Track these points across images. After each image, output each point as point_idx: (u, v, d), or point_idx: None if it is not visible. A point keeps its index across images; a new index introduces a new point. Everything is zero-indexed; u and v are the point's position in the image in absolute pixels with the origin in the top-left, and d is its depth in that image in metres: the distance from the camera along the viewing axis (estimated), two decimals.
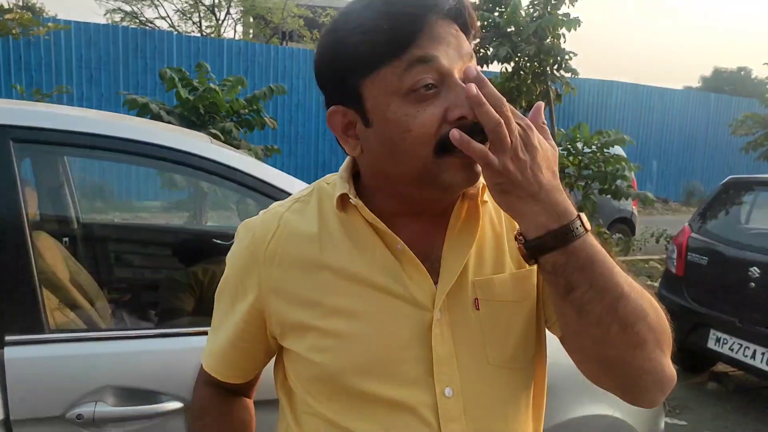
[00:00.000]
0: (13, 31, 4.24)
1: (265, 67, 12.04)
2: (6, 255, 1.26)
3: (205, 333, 1.44)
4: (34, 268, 1.29)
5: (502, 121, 0.63)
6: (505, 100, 0.65)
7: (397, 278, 0.74)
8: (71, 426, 1.25)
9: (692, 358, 4.14)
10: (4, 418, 1.20)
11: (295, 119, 12.20)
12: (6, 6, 4.65)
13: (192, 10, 19.10)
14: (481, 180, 0.73)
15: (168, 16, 19.49)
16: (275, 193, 1.49)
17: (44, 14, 16.79)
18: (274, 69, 12.12)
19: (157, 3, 18.70)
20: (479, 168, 0.68)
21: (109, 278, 2.47)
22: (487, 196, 0.78)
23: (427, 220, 0.77)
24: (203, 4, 18.75)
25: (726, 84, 34.67)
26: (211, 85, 4.17)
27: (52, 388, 1.25)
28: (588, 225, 0.69)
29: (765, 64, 7.29)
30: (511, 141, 0.63)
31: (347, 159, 0.80)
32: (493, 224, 0.80)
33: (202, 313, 1.94)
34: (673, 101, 16.55)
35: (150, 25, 18.88)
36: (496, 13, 5.58)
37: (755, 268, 3.45)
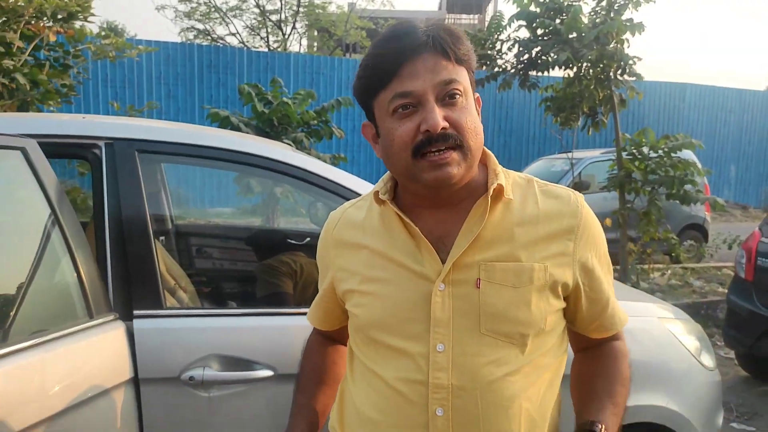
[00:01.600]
0: (110, 55, 4.69)
1: (329, 79, 12.45)
2: (137, 250, 1.54)
3: (289, 313, 1.69)
4: (157, 260, 1.56)
5: None
6: None
7: (414, 257, 0.94)
8: (184, 386, 1.50)
9: (763, 364, 4.04)
10: (134, 376, 1.46)
11: (358, 128, 12.50)
12: (100, 30, 5.12)
13: (260, 26, 19.94)
14: (502, 180, 0.94)
15: (238, 32, 20.37)
16: (348, 194, 1.72)
17: (126, 35, 18.16)
18: (338, 80, 12.52)
19: (227, 21, 19.66)
20: (450, 168, 0.87)
21: (194, 269, 2.79)
22: (510, 194, 0.95)
23: (449, 213, 0.95)
24: (271, 21, 19.55)
25: None
26: (284, 98, 4.48)
27: (170, 353, 1.50)
28: None
29: None
30: None
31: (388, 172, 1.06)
32: (513, 220, 0.94)
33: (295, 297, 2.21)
34: (752, 102, 15.72)
35: (221, 41, 19.87)
36: (558, 20, 5.61)
37: None
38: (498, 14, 6.61)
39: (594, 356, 1.07)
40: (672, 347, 2.13)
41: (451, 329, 0.91)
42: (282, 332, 1.63)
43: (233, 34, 20.26)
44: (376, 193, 0.98)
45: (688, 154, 6.68)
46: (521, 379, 0.92)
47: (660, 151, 5.63)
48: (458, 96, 0.89)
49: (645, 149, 5.72)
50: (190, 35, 20.11)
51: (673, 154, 5.62)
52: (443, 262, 0.92)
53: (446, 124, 0.87)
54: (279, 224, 4.49)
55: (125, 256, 1.53)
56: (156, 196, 2.59)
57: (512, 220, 0.95)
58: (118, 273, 1.52)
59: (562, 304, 0.97)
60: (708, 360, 2.31)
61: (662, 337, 2.12)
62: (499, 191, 0.94)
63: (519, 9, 5.76)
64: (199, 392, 1.51)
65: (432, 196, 0.94)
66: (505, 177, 0.97)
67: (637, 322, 2.07)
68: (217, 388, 1.53)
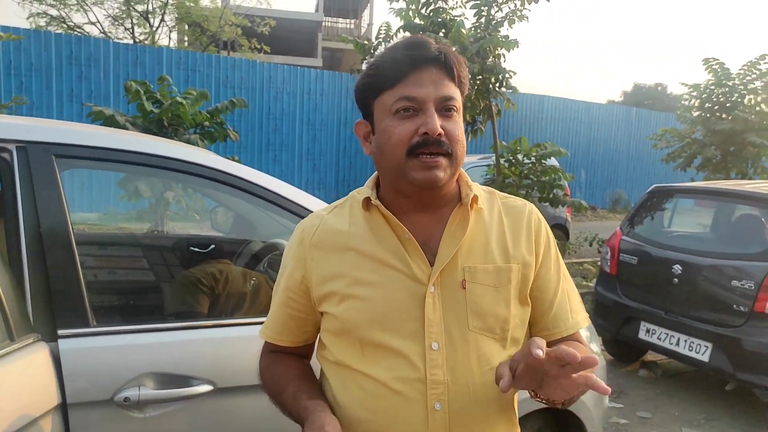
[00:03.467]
0: None
1: (206, 77, 11.92)
2: (58, 262, 1.40)
3: (224, 325, 1.64)
4: (81, 273, 1.44)
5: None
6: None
7: (403, 260, 1.00)
8: (118, 408, 1.40)
9: (625, 348, 4.59)
10: (62, 402, 1.33)
11: (238, 129, 12.05)
12: None
13: (124, 16, 18.56)
14: (474, 191, 1.04)
15: (98, 21, 18.75)
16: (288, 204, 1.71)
17: None
18: (216, 79, 12.03)
19: (86, 8, 18.06)
20: (438, 172, 0.95)
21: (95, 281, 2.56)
22: (482, 203, 1.06)
23: (430, 217, 1.03)
24: (136, 11, 18.28)
25: (645, 98, 37.14)
26: (177, 98, 4.25)
27: (101, 374, 1.39)
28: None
29: (681, 83, 8.06)
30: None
31: (373, 174, 1.11)
32: (486, 228, 1.05)
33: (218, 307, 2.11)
34: (598, 115, 17.61)
35: (79, 30, 18.20)
36: (441, 34, 5.91)
37: (678, 265, 3.91)
38: (384, 26, 6.81)
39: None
40: None
41: (443, 328, 0.97)
42: (218, 345, 1.58)
43: (93, 23, 18.62)
44: (366, 199, 1.03)
45: (552, 161, 7.38)
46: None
47: (532, 158, 6.15)
48: (453, 111, 0.98)
49: (520, 156, 6.22)
50: (41, 22, 18.17)
51: (543, 161, 6.17)
52: (430, 264, 0.99)
53: (442, 131, 0.95)
54: (170, 230, 4.25)
55: (45, 270, 1.39)
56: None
57: (485, 227, 1.05)
58: (37, 289, 1.37)
59: (529, 305, 1.07)
60: (595, 347, 2.60)
61: None
62: (474, 201, 1.04)
63: (404, 22, 5.99)
64: (135, 414, 1.42)
65: (416, 197, 1.01)
66: (476, 189, 1.07)
67: None
68: (154, 407, 1.44)
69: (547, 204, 6.23)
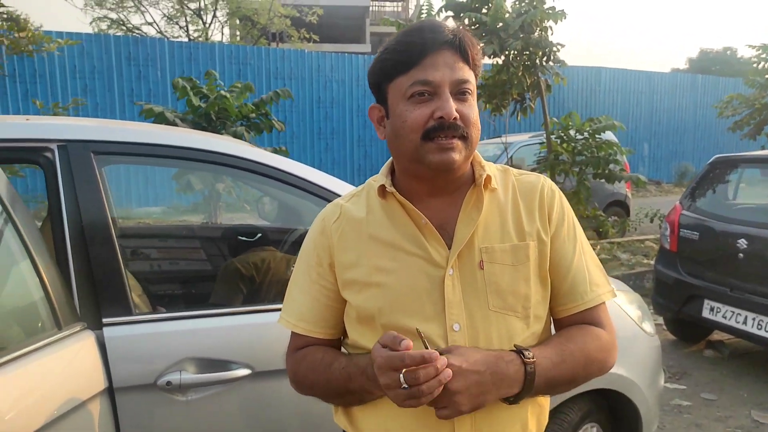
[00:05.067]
0: (27, 49, 4.39)
1: (257, 69, 12.17)
2: (100, 254, 1.47)
3: (261, 311, 1.67)
4: (122, 264, 1.51)
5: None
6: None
7: (420, 245, 1.00)
8: (161, 392, 1.46)
9: (689, 327, 4.39)
10: (108, 386, 1.41)
11: (290, 120, 12.37)
12: (2, 23, 4.73)
13: (178, 15, 19.16)
14: (488, 171, 1.03)
15: (155, 21, 19.47)
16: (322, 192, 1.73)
17: (30, 25, 16.86)
18: (266, 71, 12.26)
19: (143, 9, 18.76)
20: (454, 154, 0.95)
21: (142, 272, 2.69)
22: (495, 183, 1.05)
23: (445, 201, 1.03)
24: (189, 9, 18.82)
25: (713, 65, 35.03)
26: (222, 91, 4.35)
27: (144, 360, 1.46)
28: (534, 362, 0.95)
29: (748, 46, 7.52)
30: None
31: (388, 161, 1.10)
32: (500, 207, 1.04)
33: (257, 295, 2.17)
34: (660, 84, 16.78)
35: (138, 32, 18.93)
36: (484, 11, 5.76)
37: (743, 240, 3.69)
38: (426, 4, 6.70)
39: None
40: (617, 316, 2.28)
41: (463, 309, 0.98)
42: (256, 330, 1.63)
43: (150, 24, 19.35)
44: (382, 187, 1.04)
45: (609, 135, 7.09)
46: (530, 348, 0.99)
47: (585, 134, 5.94)
48: (468, 94, 0.98)
49: (571, 132, 6.02)
50: (103, 25, 19.04)
51: (597, 136, 5.95)
52: (447, 247, 1.00)
53: (457, 115, 0.95)
54: (222, 221, 4.38)
55: (89, 262, 1.46)
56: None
57: (500, 206, 1.05)
58: (82, 280, 1.45)
59: (548, 278, 1.05)
60: (648, 327, 2.50)
61: (609, 308, 2.26)
62: (488, 181, 1.04)
63: (445, 1, 5.87)
64: (177, 396, 1.49)
65: (432, 180, 1.01)
66: (489, 169, 1.06)
67: None
68: (195, 391, 1.50)
69: (603, 180, 6.01)
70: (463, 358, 0.90)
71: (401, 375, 0.84)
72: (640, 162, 16.60)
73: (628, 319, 2.33)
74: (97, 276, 1.47)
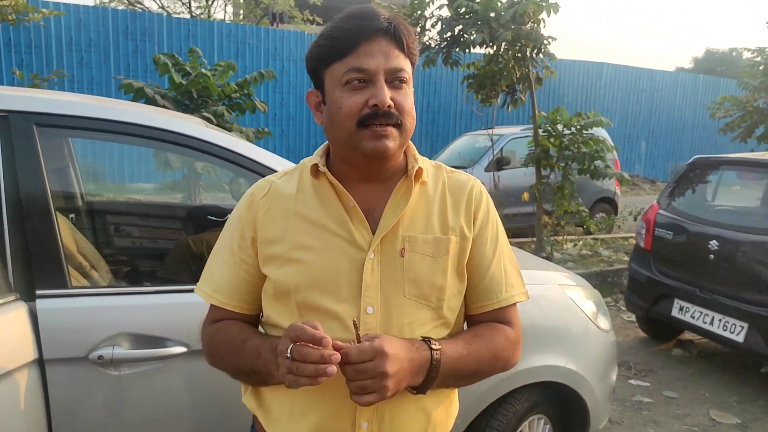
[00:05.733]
0: (9, 17, 4.36)
1: (256, 49, 12.07)
2: (37, 227, 1.48)
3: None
4: (59, 238, 1.51)
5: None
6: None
7: (346, 227, 1.02)
8: (93, 366, 1.48)
9: (660, 326, 4.42)
10: (38, 357, 1.42)
11: (287, 101, 12.31)
12: None
13: None
14: (420, 164, 1.06)
15: None
16: (265, 171, 1.73)
17: None
18: (265, 51, 12.17)
19: None
20: (388, 141, 0.97)
21: (110, 247, 2.70)
22: (426, 177, 1.07)
23: (376, 187, 1.05)
24: None
25: (718, 65, 34.87)
26: (203, 70, 4.33)
27: (76, 333, 1.47)
28: (439, 350, 0.99)
29: (745, 49, 7.47)
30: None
31: (324, 143, 1.11)
32: (428, 200, 1.07)
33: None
34: (662, 82, 16.68)
35: (139, 6, 18.75)
36: (476, 0, 5.71)
37: (714, 241, 3.71)
38: None
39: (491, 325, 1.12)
40: (570, 312, 2.30)
41: (379, 293, 1.01)
42: (194, 308, 1.63)
43: None
44: (314, 166, 1.06)
45: (600, 131, 7.07)
46: (436, 339, 1.02)
47: (573, 129, 5.92)
48: (403, 82, 0.99)
49: (559, 126, 6.00)
50: None
51: (585, 132, 5.93)
52: (371, 232, 1.03)
53: (392, 103, 0.96)
54: (202, 200, 4.39)
55: (24, 235, 1.47)
56: (62, 171, 2.47)
57: (428, 199, 1.08)
58: (17, 252, 1.46)
59: (465, 276, 1.09)
60: (604, 323, 2.52)
61: (561, 302, 2.28)
62: (419, 173, 1.06)
63: None
64: (110, 371, 1.50)
65: (365, 167, 1.03)
66: (422, 162, 1.09)
67: (538, 289, 2.23)
68: (128, 366, 1.52)
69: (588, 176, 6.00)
70: (391, 345, 0.92)
71: (290, 345, 0.86)
72: (637, 160, 16.57)
73: (581, 314, 2.35)
74: (32, 248, 1.48)
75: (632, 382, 3.75)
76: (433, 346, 0.98)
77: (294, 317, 1.01)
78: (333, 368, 0.85)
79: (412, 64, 1.02)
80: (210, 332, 1.11)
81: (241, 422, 1.64)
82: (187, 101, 4.30)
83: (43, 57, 10.31)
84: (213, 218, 2.90)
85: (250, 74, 4.54)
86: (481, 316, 1.12)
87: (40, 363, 1.44)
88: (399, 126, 0.98)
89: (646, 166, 16.78)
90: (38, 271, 1.48)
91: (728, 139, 11.61)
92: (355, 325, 0.92)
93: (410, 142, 1.08)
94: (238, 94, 4.54)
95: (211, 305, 1.12)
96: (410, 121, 1.00)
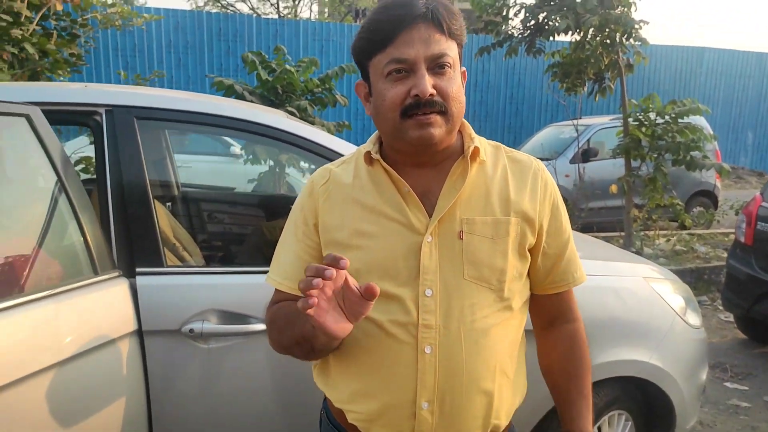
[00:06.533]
0: (116, 23, 4.74)
1: (339, 46, 12.34)
2: (137, 212, 1.64)
3: None
4: (156, 221, 1.66)
5: None
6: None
7: (402, 211, 1.03)
8: (185, 338, 1.61)
9: (760, 327, 4.10)
10: (138, 329, 1.57)
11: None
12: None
13: None
14: (476, 143, 1.05)
15: None
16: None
17: (135, 2, 18.12)
18: (348, 47, 12.38)
19: None
20: (433, 129, 0.97)
21: (203, 232, 2.90)
22: (484, 156, 1.06)
23: (430, 171, 1.05)
24: None
25: None
26: (288, 66, 4.50)
27: (171, 307, 1.61)
28: None
29: None
30: None
31: (376, 131, 1.10)
32: (487, 180, 1.06)
33: None
34: None
35: (231, 8, 19.72)
36: None
37: None
38: None
39: (557, 344, 1.17)
40: (656, 305, 2.20)
41: (438, 276, 1.01)
42: (272, 289, 1.73)
43: (243, 1, 20.06)
44: (368, 153, 1.07)
45: (698, 120, 6.62)
46: (498, 321, 1.03)
47: (667, 117, 5.59)
48: (446, 67, 0.98)
49: (651, 115, 5.68)
50: (200, 2, 20.00)
51: (680, 120, 5.58)
52: (428, 215, 1.03)
53: (434, 91, 0.96)
54: (285, 191, 4.58)
55: (126, 219, 1.62)
56: (160, 162, 2.68)
57: (487, 179, 1.06)
58: (120, 234, 1.61)
59: (528, 258, 1.08)
60: (694, 318, 2.38)
61: (646, 295, 2.19)
62: (476, 153, 1.05)
63: None
64: (199, 344, 1.63)
65: (415, 155, 1.03)
66: (478, 141, 1.07)
67: (621, 281, 2.15)
68: (216, 340, 1.64)
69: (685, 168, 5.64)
70: None
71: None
72: (742, 151, 15.33)
73: (668, 308, 2.24)
74: (133, 231, 1.63)
75: (728, 385, 3.51)
76: None
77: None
78: (318, 281, 0.82)
79: (459, 44, 1.01)
80: (273, 310, 1.13)
81: (317, 397, 1.73)
82: (272, 97, 4.50)
83: (146, 59, 11.11)
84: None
85: (331, 69, 4.66)
86: (550, 297, 1.15)
87: (139, 334, 1.58)
88: (444, 113, 0.98)
89: (753, 157, 15.48)
90: (138, 251, 1.63)
91: None
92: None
93: (465, 121, 1.09)
94: (320, 89, 4.68)
95: (276, 291, 1.14)
96: (456, 106, 0.99)
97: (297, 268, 1.11)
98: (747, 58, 15.06)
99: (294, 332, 1.02)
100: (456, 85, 0.99)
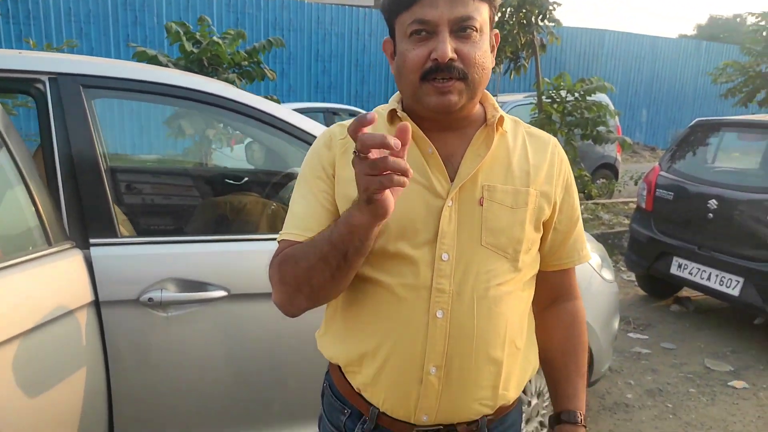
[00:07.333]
0: None
1: (255, 19, 11.99)
2: (88, 182, 1.60)
3: (240, 240, 1.82)
4: (108, 191, 1.64)
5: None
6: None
7: (424, 173, 0.98)
8: (144, 307, 1.62)
9: (658, 284, 4.58)
10: (95, 300, 1.56)
11: (287, 72, 12.29)
12: None
13: None
14: (500, 113, 1.01)
15: None
16: (294, 130, 1.85)
17: None
18: (264, 21, 12.08)
19: None
20: (452, 96, 0.93)
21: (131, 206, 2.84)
22: (506, 127, 1.03)
23: (453, 135, 1.02)
24: None
25: (721, 32, 34.47)
26: (215, 38, 4.39)
27: (128, 277, 1.61)
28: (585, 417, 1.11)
29: (749, 14, 7.47)
30: None
31: (397, 92, 1.06)
32: (509, 151, 1.03)
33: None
34: (664, 50, 16.55)
35: None
36: None
37: (714, 200, 3.84)
38: None
39: (559, 322, 1.15)
40: None
41: (455, 241, 0.98)
42: (231, 256, 1.77)
43: None
44: (392, 111, 1.02)
45: (602, 97, 7.13)
46: (510, 290, 1.01)
47: (576, 94, 5.99)
48: (471, 31, 0.92)
49: (562, 92, 6.07)
50: None
51: (588, 97, 6.01)
52: (449, 179, 1.00)
53: (455, 56, 0.92)
54: (214, 164, 4.50)
55: (77, 187, 1.59)
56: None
57: (508, 150, 1.03)
58: (71, 204, 1.59)
59: (541, 231, 1.06)
60: (608, 274, 2.67)
61: None
62: (500, 122, 1.02)
63: None
64: (158, 312, 1.64)
65: (436, 119, 1.00)
66: (502, 113, 1.05)
67: None
68: (175, 308, 1.66)
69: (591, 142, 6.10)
70: None
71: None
72: (638, 128, 16.58)
73: (587, 265, 2.49)
74: (85, 201, 1.60)
75: (631, 335, 3.93)
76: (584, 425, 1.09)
77: (371, 261, 0.98)
78: (396, 141, 0.77)
79: (492, 6, 0.96)
80: (286, 251, 1.00)
81: (280, 361, 1.80)
82: (197, 69, 4.38)
83: (42, 28, 10.27)
84: (230, 182, 3.03)
85: (258, 42, 4.59)
86: (555, 274, 1.14)
87: (96, 305, 1.58)
88: (464, 79, 0.93)
89: (647, 134, 16.79)
90: (91, 222, 1.60)
91: (729, 108, 11.65)
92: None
93: (487, 92, 1.06)
94: (247, 62, 4.60)
95: (282, 241, 1.04)
96: (479, 72, 0.94)
97: (319, 218, 1.02)
98: (642, 41, 16.21)
99: (320, 248, 0.92)
100: (481, 50, 0.94)
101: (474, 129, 1.02)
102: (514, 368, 1.04)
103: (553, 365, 1.15)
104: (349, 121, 1.03)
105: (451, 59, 0.91)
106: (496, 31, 1.00)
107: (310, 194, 1.04)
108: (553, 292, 1.16)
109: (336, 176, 1.03)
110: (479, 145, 1.01)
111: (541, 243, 1.08)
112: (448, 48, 0.90)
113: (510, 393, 1.04)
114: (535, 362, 1.12)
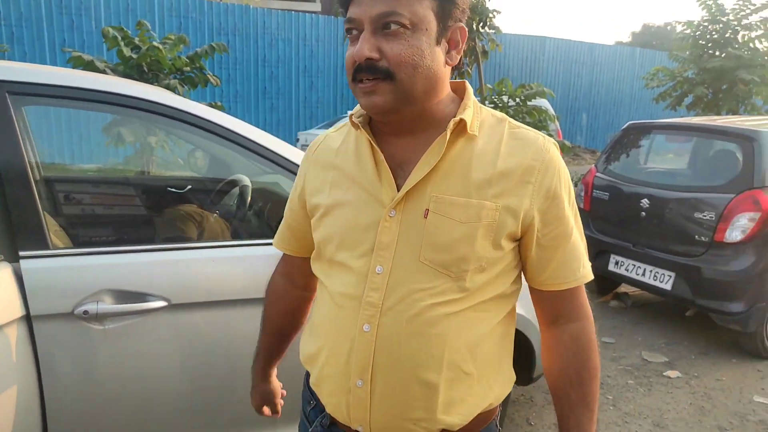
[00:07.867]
0: None
1: (199, 24, 11.78)
2: (16, 193, 1.55)
3: (179, 248, 1.79)
4: (38, 201, 1.58)
5: None
6: None
7: (373, 181, 0.96)
8: (78, 320, 1.57)
9: (598, 281, 4.76)
10: (26, 314, 1.51)
11: (234, 77, 12.12)
12: None
13: None
14: (464, 115, 0.93)
15: None
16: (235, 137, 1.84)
17: None
18: (209, 25, 11.88)
19: None
20: (375, 97, 0.89)
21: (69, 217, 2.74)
22: (475, 131, 0.94)
23: (412, 141, 0.96)
24: None
25: (653, 39, 36.27)
26: (154, 43, 4.30)
27: (61, 290, 1.56)
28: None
29: (676, 22, 7.95)
30: None
31: None
32: (473, 158, 0.93)
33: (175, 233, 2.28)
34: (601, 56, 17.25)
35: None
36: None
37: (646, 199, 4.04)
38: None
39: (557, 344, 1.02)
40: None
41: (393, 254, 0.93)
42: (172, 266, 1.74)
43: None
44: (351, 116, 1.00)
45: (543, 103, 7.38)
46: (456, 311, 0.92)
47: (518, 99, 6.17)
48: (397, 27, 0.86)
49: (504, 98, 6.24)
50: None
51: (528, 102, 6.20)
52: (399, 189, 0.94)
53: (375, 55, 0.87)
54: (157, 173, 4.40)
55: (4, 199, 1.54)
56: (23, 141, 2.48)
57: (471, 157, 0.94)
58: None
59: (510, 246, 0.95)
60: None
61: None
62: (462, 126, 0.93)
63: None
64: (95, 325, 1.60)
65: (384, 123, 0.96)
66: (475, 113, 0.97)
67: None
68: (112, 320, 1.62)
69: None
70: None
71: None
72: (578, 131, 17.20)
73: None
74: (13, 212, 1.54)
75: None
76: None
77: (325, 269, 1.03)
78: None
79: (438, 2, 0.88)
80: (269, 288, 1.29)
81: (226, 374, 1.77)
82: (136, 75, 4.27)
83: None
84: (173, 190, 2.98)
85: (201, 47, 4.52)
86: (550, 294, 1.00)
87: (28, 319, 1.52)
88: (391, 79, 0.87)
89: (587, 137, 17.45)
90: (21, 234, 1.55)
91: (663, 111, 12.28)
92: None
93: (469, 88, 1.00)
94: (189, 68, 4.52)
95: (283, 254, 1.25)
96: (407, 71, 0.87)
97: (289, 232, 1.18)
98: (580, 47, 16.85)
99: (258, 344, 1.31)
100: (410, 47, 0.87)
101: (438, 133, 0.93)
102: (461, 393, 0.95)
103: (555, 393, 1.04)
104: (332, 128, 1.15)
105: (371, 59, 0.87)
106: (461, 24, 0.93)
107: (288, 209, 1.17)
108: (551, 312, 1.03)
109: (306, 189, 1.09)
110: (434, 152, 0.92)
111: (525, 259, 0.98)
112: (364, 47, 0.86)
113: (453, 419, 0.95)
114: (499, 391, 1.01)
